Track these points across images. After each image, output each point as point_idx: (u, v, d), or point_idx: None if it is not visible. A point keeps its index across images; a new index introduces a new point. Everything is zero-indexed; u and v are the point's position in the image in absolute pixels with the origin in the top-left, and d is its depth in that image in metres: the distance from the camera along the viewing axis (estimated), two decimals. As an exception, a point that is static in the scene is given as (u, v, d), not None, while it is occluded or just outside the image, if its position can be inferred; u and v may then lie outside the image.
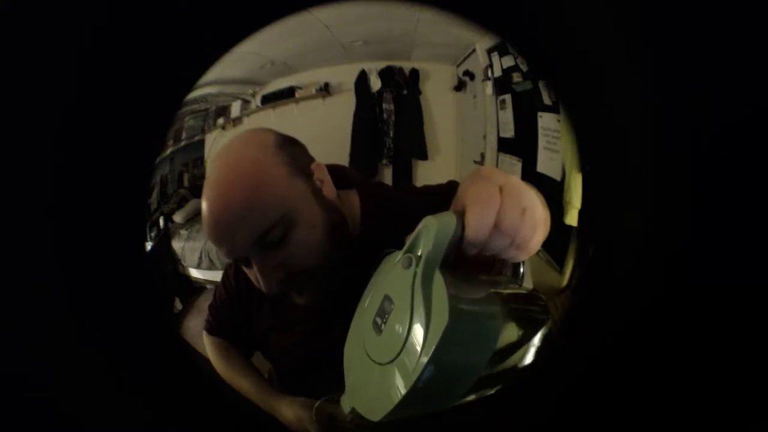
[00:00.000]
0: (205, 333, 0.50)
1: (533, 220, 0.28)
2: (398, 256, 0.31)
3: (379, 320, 0.30)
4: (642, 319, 0.28)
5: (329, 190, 0.42)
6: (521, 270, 0.34)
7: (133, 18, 0.25)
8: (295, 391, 0.46)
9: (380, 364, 0.28)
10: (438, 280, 0.27)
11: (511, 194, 0.27)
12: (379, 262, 0.35)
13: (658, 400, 0.28)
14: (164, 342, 0.32)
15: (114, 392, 0.28)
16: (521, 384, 0.33)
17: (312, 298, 0.42)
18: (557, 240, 0.45)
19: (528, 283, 0.35)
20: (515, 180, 0.29)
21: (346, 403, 0.31)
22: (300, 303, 0.43)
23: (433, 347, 0.24)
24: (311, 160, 0.42)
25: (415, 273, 0.28)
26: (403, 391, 0.25)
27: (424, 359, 0.24)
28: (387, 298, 0.30)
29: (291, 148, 0.41)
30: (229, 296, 0.49)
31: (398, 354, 0.27)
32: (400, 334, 0.27)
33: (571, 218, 0.42)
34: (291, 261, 0.39)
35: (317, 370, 0.44)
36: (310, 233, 0.39)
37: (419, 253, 0.28)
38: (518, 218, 0.27)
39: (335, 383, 0.35)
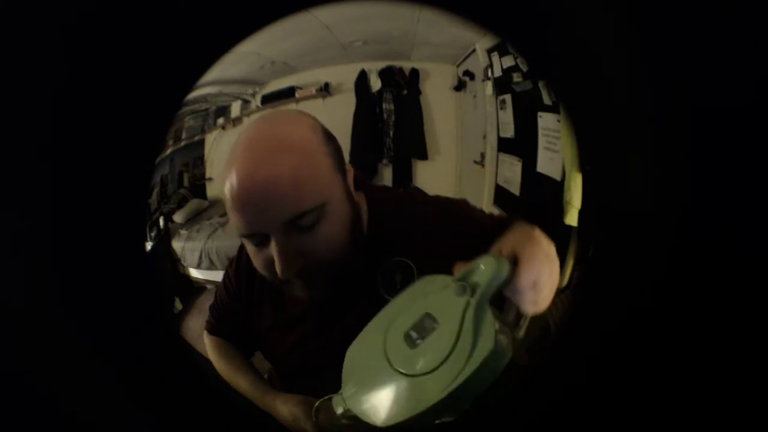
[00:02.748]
0: (205, 333, 0.50)
1: (554, 287, 0.34)
2: (440, 280, 0.35)
3: (414, 334, 0.33)
4: (642, 319, 0.28)
5: (355, 192, 0.42)
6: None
7: (134, 18, 0.25)
8: (294, 392, 0.45)
9: (409, 375, 0.31)
10: (488, 312, 0.31)
11: (550, 262, 0.35)
12: (390, 271, 0.38)
13: (658, 400, 0.28)
14: (164, 342, 0.32)
15: (113, 392, 0.28)
16: (521, 384, 0.33)
17: (316, 292, 0.42)
18: (557, 240, 0.45)
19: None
20: (553, 251, 0.35)
21: (340, 404, 0.33)
22: (301, 296, 0.42)
23: (473, 369, 0.28)
24: (344, 159, 0.42)
25: (468, 302, 0.31)
26: (433, 401, 0.29)
27: (462, 378, 0.28)
28: (429, 316, 0.33)
29: (334, 143, 0.41)
30: (230, 296, 0.49)
31: (435, 368, 0.30)
32: (440, 352, 0.30)
33: (571, 218, 0.42)
34: (313, 251, 0.38)
35: (317, 370, 0.44)
36: (337, 229, 0.39)
37: (475, 283, 0.32)
38: (549, 284, 0.34)
39: (335, 384, 0.35)
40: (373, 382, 0.32)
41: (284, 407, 0.43)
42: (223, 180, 0.38)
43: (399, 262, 0.37)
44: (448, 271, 0.39)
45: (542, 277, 0.33)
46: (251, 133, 0.39)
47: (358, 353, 0.35)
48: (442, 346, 0.31)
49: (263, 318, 0.48)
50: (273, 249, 0.38)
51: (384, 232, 0.44)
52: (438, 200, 0.46)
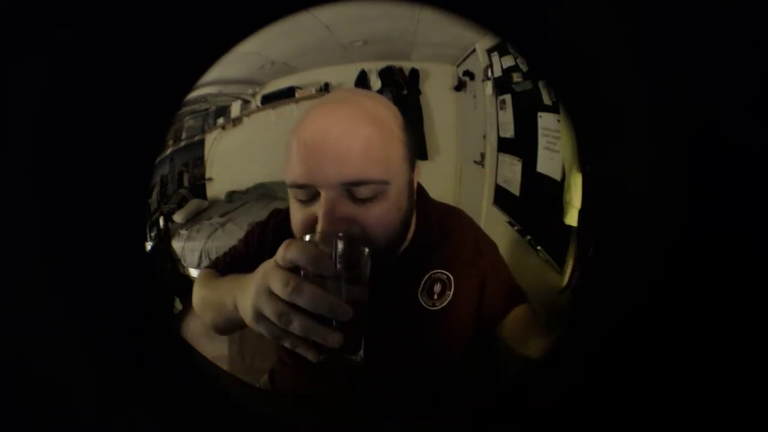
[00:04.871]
0: (203, 268, 0.49)
1: None
2: None
3: None
4: (643, 319, 0.28)
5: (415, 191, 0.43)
6: None
7: (133, 17, 0.25)
8: (307, 368, 0.46)
9: None
10: None
11: None
12: (432, 281, 0.43)
13: (659, 399, 0.28)
14: (164, 342, 0.32)
15: (113, 392, 0.28)
16: (522, 384, 0.33)
17: None
18: (557, 240, 0.45)
19: None
20: None
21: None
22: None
23: None
24: (415, 156, 0.42)
25: None
26: None
27: None
28: None
29: (410, 136, 0.41)
30: (248, 252, 0.48)
31: None
32: None
33: (571, 218, 0.42)
34: (360, 223, 0.37)
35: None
36: (391, 214, 0.39)
37: None
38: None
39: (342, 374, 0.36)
40: None
41: (253, 281, 0.35)
42: (296, 126, 0.38)
43: (441, 274, 0.41)
44: (472, 291, 0.44)
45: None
46: (339, 94, 0.42)
47: None
48: None
49: None
50: (320, 207, 0.36)
51: (427, 243, 0.45)
52: (480, 230, 0.48)
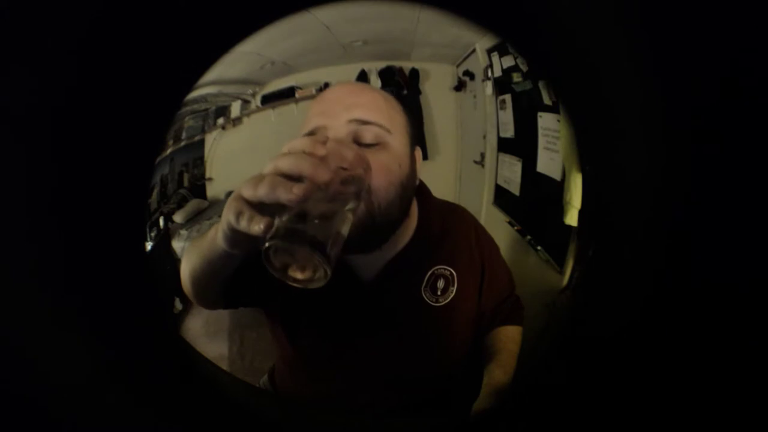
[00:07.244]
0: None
1: None
2: None
3: None
4: (642, 319, 0.28)
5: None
6: None
7: (133, 17, 0.25)
8: (296, 385, 0.46)
9: None
10: None
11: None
12: (435, 277, 0.44)
13: (659, 400, 0.28)
14: (164, 342, 0.32)
15: (113, 392, 0.28)
16: (522, 384, 0.33)
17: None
18: (557, 240, 0.45)
19: None
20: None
21: None
22: None
23: None
24: (416, 139, 0.46)
25: None
26: None
27: None
28: None
29: (412, 122, 0.46)
30: None
31: None
32: None
33: (571, 218, 0.42)
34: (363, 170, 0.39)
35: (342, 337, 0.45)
36: (392, 165, 0.41)
37: None
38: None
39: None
40: None
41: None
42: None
43: (444, 270, 0.42)
44: (474, 286, 0.45)
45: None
46: (347, 82, 0.48)
47: None
48: None
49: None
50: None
51: (429, 239, 0.46)
52: (480, 226, 0.49)
